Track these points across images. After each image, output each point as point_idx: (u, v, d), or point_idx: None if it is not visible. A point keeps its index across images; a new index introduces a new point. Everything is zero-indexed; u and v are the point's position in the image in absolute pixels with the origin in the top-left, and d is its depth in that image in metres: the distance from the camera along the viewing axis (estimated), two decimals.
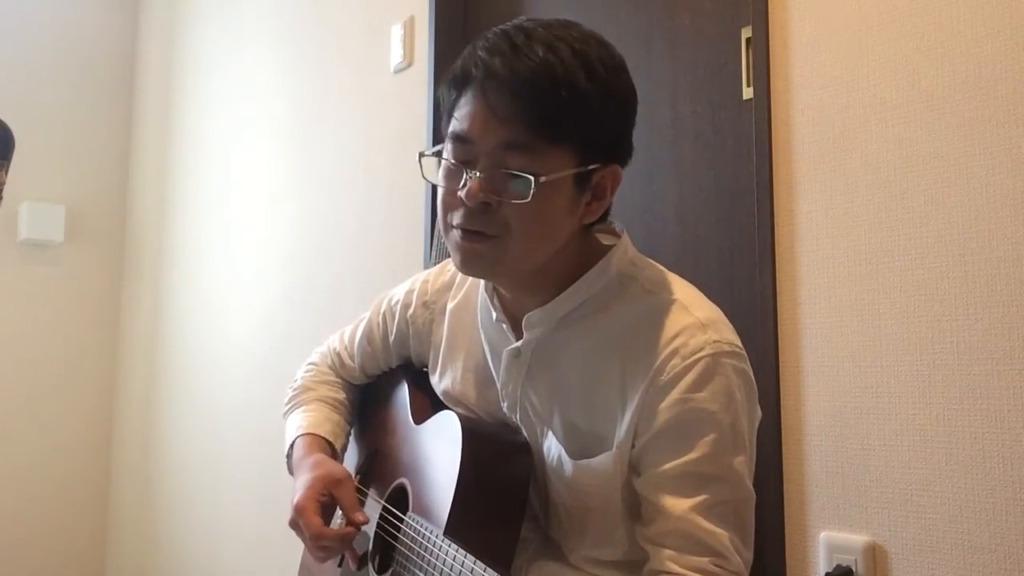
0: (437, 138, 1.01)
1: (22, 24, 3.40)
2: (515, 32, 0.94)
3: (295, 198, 2.64)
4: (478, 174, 0.92)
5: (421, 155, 1.01)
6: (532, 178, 0.91)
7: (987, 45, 1.17)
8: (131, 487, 3.37)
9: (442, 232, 1.01)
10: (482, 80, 0.93)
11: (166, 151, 3.41)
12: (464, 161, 0.94)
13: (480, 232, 0.95)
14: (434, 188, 1.01)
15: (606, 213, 1.03)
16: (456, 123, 0.95)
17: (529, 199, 0.91)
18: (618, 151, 0.98)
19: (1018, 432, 1.11)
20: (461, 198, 0.94)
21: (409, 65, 2.19)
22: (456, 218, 0.96)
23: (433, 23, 2.11)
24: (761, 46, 1.41)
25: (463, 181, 0.93)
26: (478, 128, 0.93)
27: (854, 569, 1.24)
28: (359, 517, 1.06)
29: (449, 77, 0.98)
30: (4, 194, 1.11)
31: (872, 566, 1.23)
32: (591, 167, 0.95)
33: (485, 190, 0.92)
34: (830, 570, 1.26)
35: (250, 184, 2.89)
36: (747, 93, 1.47)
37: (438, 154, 0.98)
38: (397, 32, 2.23)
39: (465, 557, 0.89)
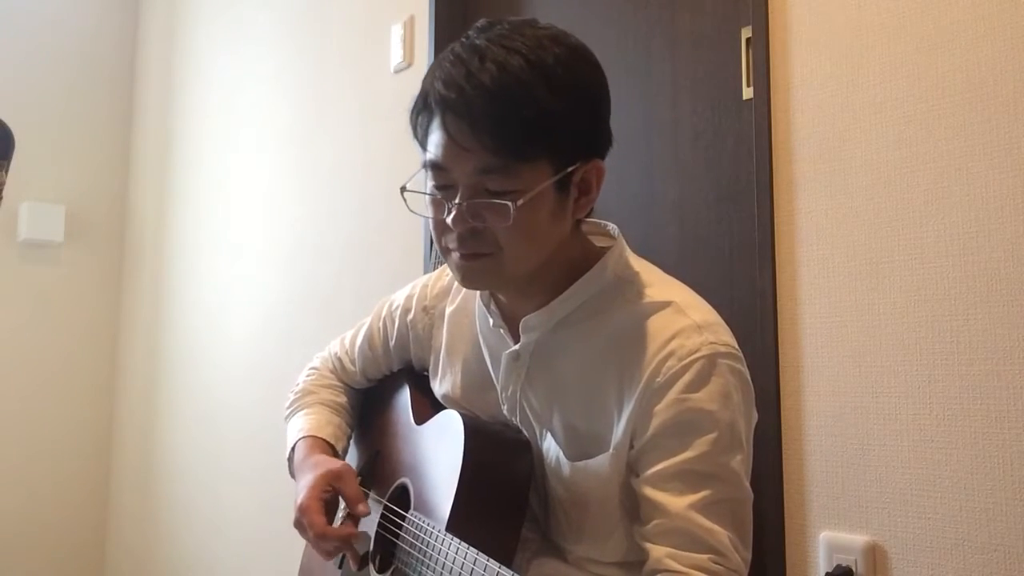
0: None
1: (22, 24, 3.40)
2: (468, 55, 0.92)
3: (295, 198, 2.64)
4: (458, 203, 0.93)
5: (403, 189, 1.02)
6: (510, 204, 0.91)
7: (987, 45, 1.17)
8: (131, 487, 3.37)
9: (440, 254, 1.02)
10: (442, 112, 0.93)
11: (166, 151, 3.41)
12: (444, 187, 0.96)
13: (475, 253, 0.96)
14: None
15: (592, 207, 1.03)
16: (429, 152, 0.96)
17: (511, 222, 0.92)
18: (595, 146, 0.98)
19: (1018, 432, 1.11)
20: (449, 224, 0.95)
21: (409, 65, 2.19)
22: (450, 242, 0.97)
23: (433, 23, 2.11)
24: (761, 46, 1.41)
25: (447, 210, 0.94)
26: (448, 157, 0.94)
27: (854, 569, 1.24)
28: (362, 508, 1.06)
29: (414, 102, 0.98)
30: (4, 194, 1.11)
31: (872, 566, 1.23)
32: (570, 169, 0.95)
33: (468, 218, 0.94)
34: (830, 570, 1.26)
35: (250, 184, 2.89)
36: (747, 93, 1.47)
37: (420, 185, 0.99)
38: (397, 32, 2.23)
39: (468, 551, 0.89)
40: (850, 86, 1.30)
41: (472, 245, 0.96)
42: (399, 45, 2.21)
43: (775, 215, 1.37)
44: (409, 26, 2.20)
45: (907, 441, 1.21)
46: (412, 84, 2.16)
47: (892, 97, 1.26)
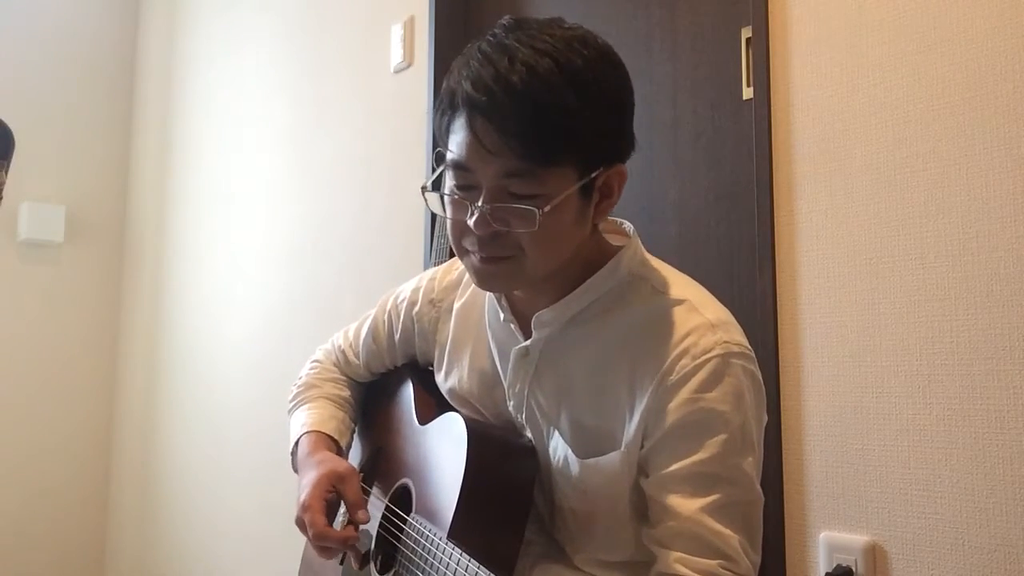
0: (436, 140, 1.00)
1: (23, 24, 3.40)
2: (498, 55, 0.91)
3: (295, 198, 2.64)
4: (482, 205, 0.92)
5: (424, 189, 0.99)
6: (536, 210, 0.90)
7: (987, 45, 1.17)
8: (131, 487, 3.37)
9: (457, 254, 1.01)
10: (468, 112, 0.91)
11: (166, 151, 3.41)
12: (467, 188, 0.94)
13: (496, 257, 0.95)
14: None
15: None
16: (452, 152, 0.95)
17: (536, 227, 0.90)
18: (619, 150, 0.97)
19: (1018, 432, 1.11)
20: (471, 227, 0.93)
21: (409, 65, 2.20)
22: (469, 244, 0.96)
23: (433, 23, 2.11)
24: (761, 46, 1.41)
25: (469, 212, 0.93)
26: (473, 158, 0.92)
27: (854, 569, 1.24)
28: (361, 516, 1.06)
29: (439, 99, 0.97)
30: (4, 194, 1.11)
31: (872, 566, 1.23)
32: (594, 175, 0.94)
33: (491, 221, 0.92)
34: (830, 570, 1.26)
35: (250, 184, 2.89)
36: (747, 93, 1.47)
37: (438, 184, 0.97)
38: (397, 32, 2.23)
39: (469, 562, 0.89)
40: (850, 86, 1.30)
41: (492, 249, 0.94)
42: (399, 45, 2.21)
43: (775, 215, 1.37)
44: (409, 26, 2.20)
45: (907, 441, 1.21)
46: (412, 84, 2.18)
47: (892, 97, 1.26)
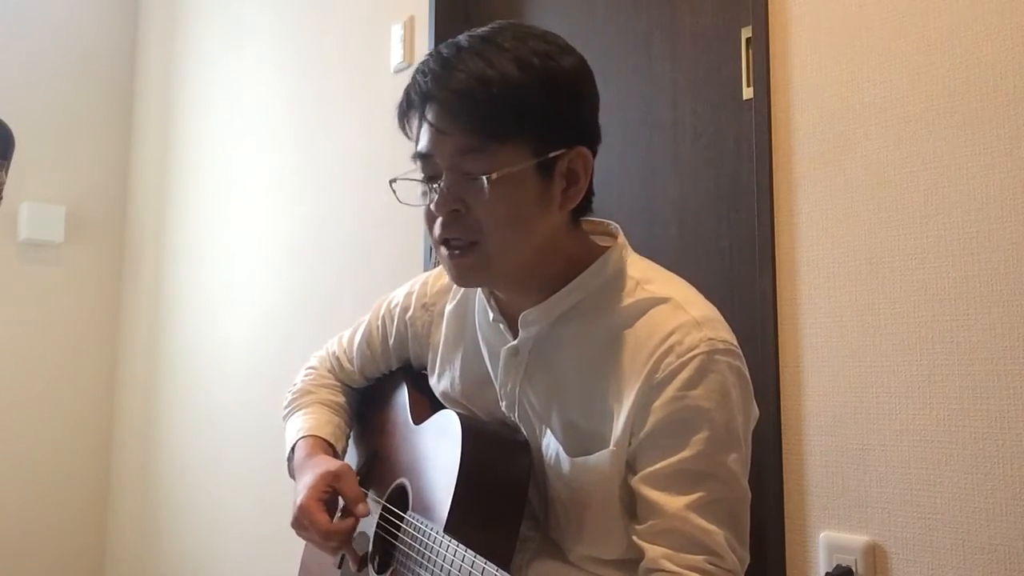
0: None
1: (22, 24, 3.39)
2: (448, 49, 0.97)
3: (295, 198, 2.64)
4: (441, 185, 0.96)
5: (391, 181, 1.05)
6: (484, 178, 0.93)
7: (987, 45, 1.17)
8: (131, 487, 3.37)
9: (437, 254, 1.04)
10: (421, 103, 0.98)
11: (166, 151, 3.40)
12: (430, 177, 0.99)
13: (458, 242, 0.98)
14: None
15: (589, 200, 1.03)
16: (417, 145, 1.00)
17: (487, 197, 0.94)
18: (579, 133, 0.99)
19: (1018, 432, 1.11)
20: (433, 210, 0.98)
21: (409, 65, 2.19)
22: (436, 230, 0.99)
23: (433, 23, 2.11)
24: (761, 46, 1.41)
25: (431, 196, 0.98)
26: (431, 144, 0.97)
27: (854, 569, 1.24)
28: (361, 509, 1.07)
29: (399, 105, 1.02)
30: (4, 194, 1.11)
31: (872, 566, 1.23)
32: (552, 154, 0.96)
33: (449, 198, 0.96)
34: (830, 570, 1.26)
35: (250, 184, 2.89)
36: (747, 93, 1.47)
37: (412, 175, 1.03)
38: (397, 32, 2.23)
39: (466, 553, 0.89)
40: (850, 86, 1.30)
41: (455, 230, 0.97)
42: (399, 45, 2.21)
43: (775, 215, 1.37)
44: (409, 26, 2.20)
45: (907, 441, 1.21)
46: None
47: (892, 97, 1.26)
